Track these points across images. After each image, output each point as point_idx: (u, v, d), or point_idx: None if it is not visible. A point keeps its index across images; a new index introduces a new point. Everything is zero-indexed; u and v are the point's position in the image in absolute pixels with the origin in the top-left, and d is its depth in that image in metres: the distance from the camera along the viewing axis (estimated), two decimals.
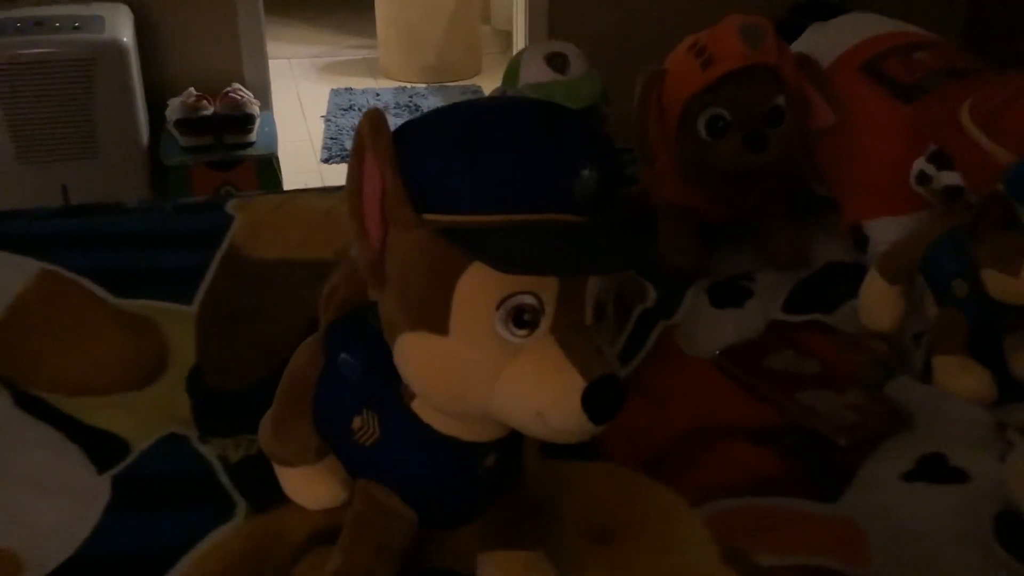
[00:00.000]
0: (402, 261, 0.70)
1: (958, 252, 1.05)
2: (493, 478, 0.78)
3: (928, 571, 0.83)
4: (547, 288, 0.66)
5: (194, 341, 1.14)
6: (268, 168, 2.65)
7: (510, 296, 0.66)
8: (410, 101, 3.71)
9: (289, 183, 2.75)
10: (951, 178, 1.11)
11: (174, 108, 2.51)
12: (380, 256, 0.71)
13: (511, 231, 0.66)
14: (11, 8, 2.35)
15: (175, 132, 2.51)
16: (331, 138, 3.37)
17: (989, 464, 0.93)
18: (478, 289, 0.66)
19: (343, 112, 3.57)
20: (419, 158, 0.68)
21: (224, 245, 1.31)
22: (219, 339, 1.15)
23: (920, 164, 1.14)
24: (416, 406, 0.75)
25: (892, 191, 1.22)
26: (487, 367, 0.67)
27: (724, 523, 0.88)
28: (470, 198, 0.66)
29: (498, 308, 0.66)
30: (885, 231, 1.23)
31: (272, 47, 2.93)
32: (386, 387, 0.76)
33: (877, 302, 1.16)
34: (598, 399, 0.65)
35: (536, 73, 1.26)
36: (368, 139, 0.68)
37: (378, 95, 3.72)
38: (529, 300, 0.66)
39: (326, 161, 3.33)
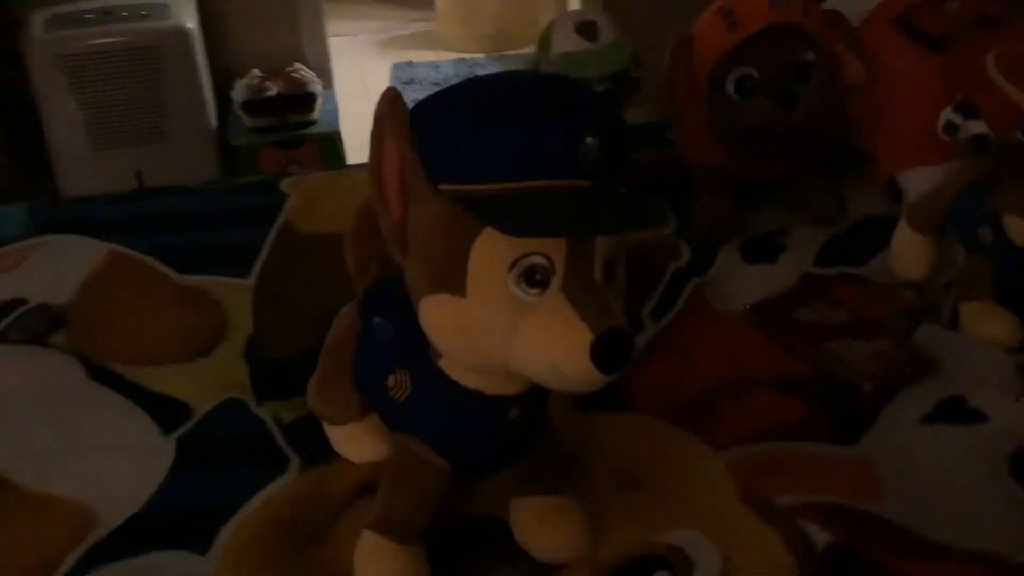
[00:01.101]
0: (421, 230, 0.76)
1: (982, 200, 1.07)
2: (519, 429, 0.83)
3: (941, 507, 0.86)
4: (556, 249, 0.71)
5: (251, 312, 1.21)
6: (331, 145, 2.72)
7: (522, 257, 0.71)
8: (470, 72, 3.76)
9: (353, 159, 2.80)
10: (977, 127, 1.11)
11: (239, 90, 2.60)
12: (402, 226, 0.76)
13: (520, 197, 0.71)
14: (78, 0, 2.45)
15: (241, 113, 2.59)
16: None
17: (1007, 405, 0.95)
18: (491, 252, 0.72)
19: (405, 86, 3.63)
20: (433, 132, 0.74)
21: (279, 221, 1.38)
22: (274, 310, 1.22)
23: (947, 114, 1.15)
24: (443, 364, 0.81)
25: (924, 142, 1.23)
26: (503, 324, 0.72)
27: (744, 467, 0.92)
28: (480, 168, 0.72)
29: (511, 269, 0.71)
30: (918, 182, 1.24)
31: (332, 25, 3.00)
32: (416, 347, 0.82)
33: (907, 251, 1.18)
34: (606, 351, 0.69)
35: (567, 42, 1.29)
36: (385, 116, 0.74)
37: (438, 67, 3.77)
38: (540, 260, 0.71)
39: None
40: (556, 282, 0.72)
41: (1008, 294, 1.08)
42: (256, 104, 2.60)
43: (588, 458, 0.95)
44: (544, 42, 1.33)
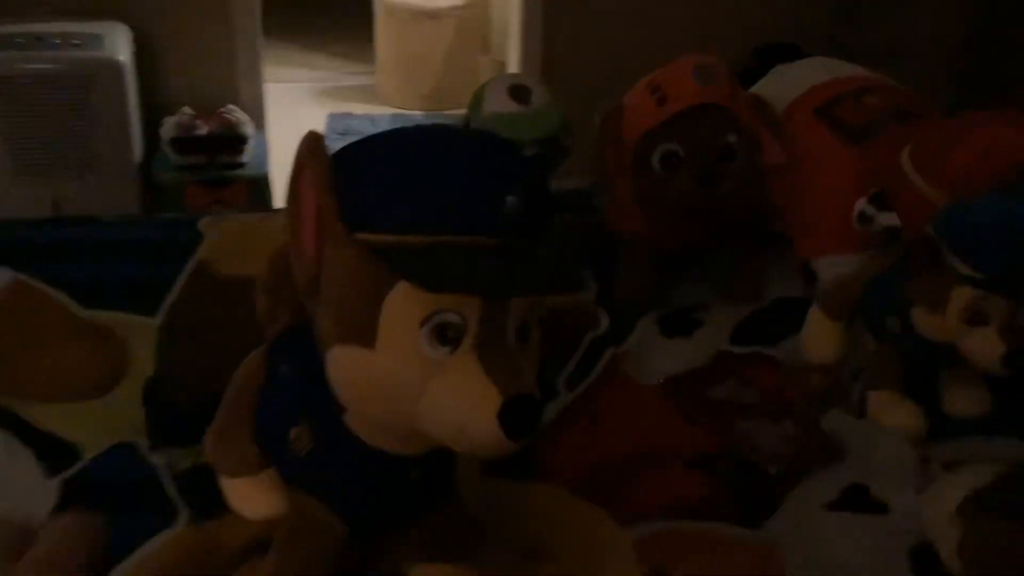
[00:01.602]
0: (335, 277, 0.74)
1: (891, 290, 1.09)
2: (420, 490, 0.81)
3: None
4: (470, 307, 0.70)
5: (154, 353, 1.17)
6: (259, 188, 2.67)
7: (434, 313, 0.70)
8: None
9: (281, 203, 2.77)
10: (890, 219, 1.14)
11: (169, 127, 2.55)
12: (315, 271, 0.75)
13: (437, 251, 0.70)
14: (11, 24, 2.40)
15: (169, 150, 2.54)
16: None
17: (909, 497, 0.95)
18: (404, 306, 0.70)
19: (339, 137, 3.61)
20: (353, 179, 0.73)
21: (193, 261, 1.34)
22: (179, 352, 1.18)
23: (861, 204, 1.18)
24: (347, 419, 0.79)
25: (839, 230, 1.26)
26: (412, 381, 0.70)
27: (650, 544, 0.91)
28: (398, 218, 0.71)
29: (423, 325, 0.70)
30: (832, 268, 1.27)
31: (271, 71, 2.98)
32: (321, 400, 0.79)
33: (818, 336, 1.19)
34: (514, 416, 0.68)
35: (499, 103, 1.30)
36: (306, 160, 0.73)
37: (374, 121, 3.77)
38: (452, 318, 0.70)
39: None
40: (468, 341, 0.71)
41: (914, 384, 1.10)
42: (185, 142, 2.56)
43: (492, 526, 0.93)
44: (476, 102, 1.33)
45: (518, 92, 1.31)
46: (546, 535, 0.94)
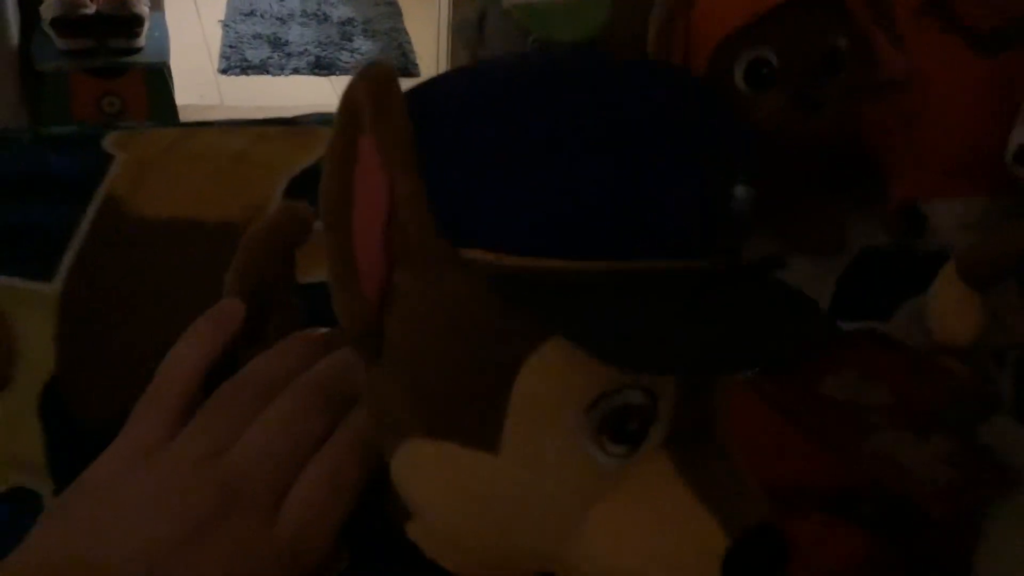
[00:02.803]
0: (420, 326, 0.42)
1: None
2: None
3: None
4: (663, 380, 0.39)
5: (54, 338, 0.83)
6: (158, 78, 2.38)
7: (608, 394, 0.38)
8: (318, 9, 3.34)
9: (182, 96, 2.45)
10: None
11: (49, 5, 2.21)
12: (376, 312, 0.42)
13: (618, 286, 0.38)
14: None
15: (51, 32, 2.22)
16: (229, 46, 3.02)
17: None
18: (556, 382, 0.39)
19: (244, 17, 3.19)
20: (457, 155, 0.40)
21: (99, 197, 0.99)
22: (89, 335, 0.85)
23: (1020, 135, 0.90)
24: (414, 530, 0.47)
25: (965, 165, 0.99)
26: (562, 506, 0.41)
27: None
28: (547, 228, 0.38)
29: (588, 413, 0.38)
30: (951, 214, 1.00)
31: None
32: (368, 495, 0.48)
33: (952, 309, 0.92)
34: (748, 564, 0.39)
35: None
36: (370, 118, 0.39)
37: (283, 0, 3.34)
38: (637, 399, 0.39)
39: (224, 72, 3.00)
40: (658, 433, 0.40)
41: None
42: (69, 23, 2.22)
43: None
44: None
45: None
46: None
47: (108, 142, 1.07)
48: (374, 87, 0.40)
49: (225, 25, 3.19)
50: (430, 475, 0.44)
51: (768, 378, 0.87)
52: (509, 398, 0.40)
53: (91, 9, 2.21)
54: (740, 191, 0.41)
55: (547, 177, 0.39)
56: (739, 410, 0.84)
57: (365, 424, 0.47)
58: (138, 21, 2.26)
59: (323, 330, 0.56)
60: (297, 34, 3.21)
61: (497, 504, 0.42)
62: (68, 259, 0.91)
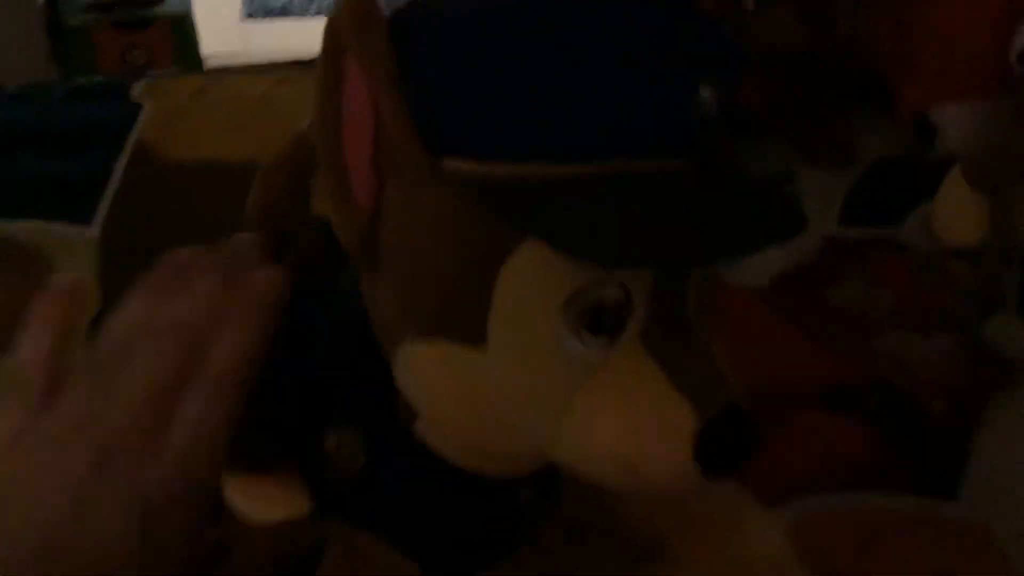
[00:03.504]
0: (409, 235, 0.45)
1: None
2: (529, 515, 0.55)
3: None
4: (638, 276, 0.42)
5: (97, 277, 0.88)
6: (182, 28, 2.39)
7: (584, 290, 0.42)
8: None
9: (207, 45, 2.47)
10: None
11: None
12: (371, 225, 0.45)
13: (589, 189, 0.41)
14: None
15: None
16: None
17: None
18: (535, 280, 0.42)
19: None
20: (436, 69, 0.43)
21: (130, 144, 1.03)
22: (129, 272, 0.89)
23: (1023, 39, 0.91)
24: (422, 427, 0.51)
25: (973, 70, 0.99)
26: (547, 394, 0.44)
27: (812, 532, 0.67)
28: (522, 134, 0.41)
29: (566, 307, 0.42)
30: (961, 120, 1.00)
31: None
32: (377, 396, 0.52)
33: (958, 211, 0.93)
34: (718, 442, 0.42)
35: None
36: (352, 39, 0.42)
37: None
38: (613, 294, 0.42)
39: (248, 16, 3.02)
40: (633, 326, 0.43)
41: None
42: None
43: (600, 525, 0.68)
44: None
45: None
46: (663, 524, 0.70)
47: (136, 92, 1.11)
48: (356, 9, 0.42)
49: None
50: (427, 374, 0.47)
51: (777, 290, 0.90)
52: (492, 296, 0.43)
53: None
54: (706, 93, 0.43)
55: (520, 86, 0.41)
56: (749, 320, 0.88)
57: (235, 346, 0.49)
58: None
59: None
60: None
61: (488, 397, 0.45)
62: (105, 204, 0.96)
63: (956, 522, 0.69)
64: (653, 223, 0.41)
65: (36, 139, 1.04)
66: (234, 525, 0.59)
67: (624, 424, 0.43)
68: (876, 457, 0.74)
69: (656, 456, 0.43)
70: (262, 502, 0.65)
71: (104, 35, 2.29)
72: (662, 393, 0.43)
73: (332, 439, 0.55)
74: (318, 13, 3.03)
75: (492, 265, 0.42)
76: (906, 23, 1.04)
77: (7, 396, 0.54)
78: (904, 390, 0.80)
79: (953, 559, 0.66)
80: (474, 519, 0.54)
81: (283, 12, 3.04)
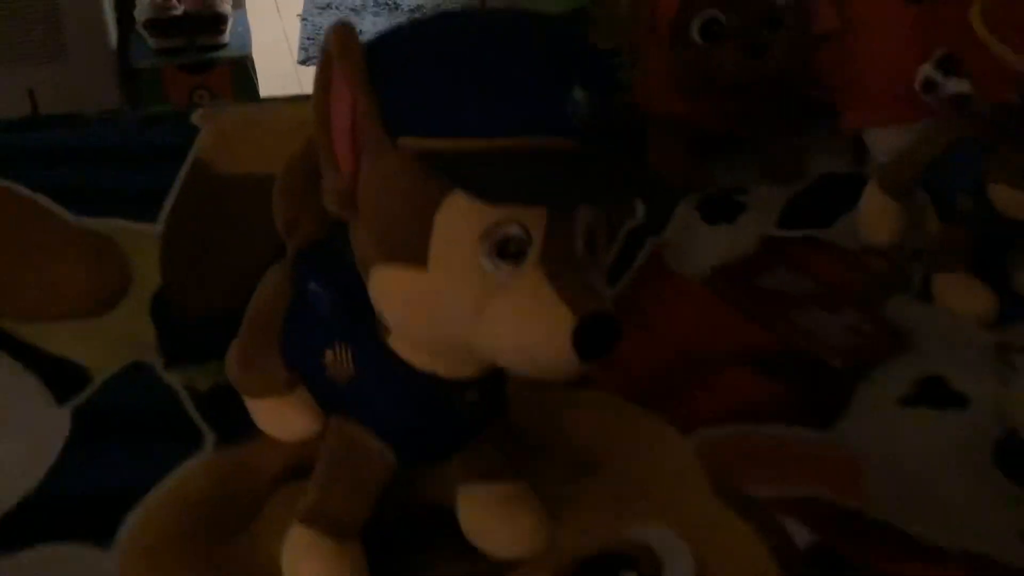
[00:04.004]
0: (376, 190, 0.64)
1: (966, 165, 1.00)
2: (475, 414, 0.74)
3: (926, 502, 0.80)
4: (535, 218, 0.61)
5: (159, 263, 1.08)
6: (242, 70, 2.57)
7: (495, 226, 0.60)
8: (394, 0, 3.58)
9: (265, 86, 2.67)
10: (959, 85, 1.05)
11: (142, 8, 2.41)
12: (351, 186, 0.65)
13: (496, 156, 0.60)
14: None
15: (145, 33, 2.41)
16: (308, 38, 3.25)
17: (990, 388, 0.89)
18: (460, 219, 0.61)
19: (320, 11, 3.44)
20: (393, 75, 0.62)
21: (190, 159, 1.24)
22: (186, 260, 1.10)
23: (926, 70, 1.08)
24: (392, 341, 0.70)
25: (896, 98, 1.16)
26: (470, 303, 0.62)
27: (715, 452, 0.85)
28: (449, 120, 0.61)
29: (482, 240, 0.61)
30: (888, 141, 1.18)
31: None
32: (359, 320, 0.71)
33: (876, 215, 1.11)
34: (590, 336, 0.60)
35: None
36: (336, 54, 0.62)
37: None
38: (515, 231, 0.61)
39: (303, 63, 3.24)
40: (533, 255, 0.62)
41: (984, 266, 1.02)
42: (161, 23, 2.42)
43: (541, 437, 0.86)
44: None
45: None
46: (600, 446, 0.88)
47: (196, 117, 1.33)
48: (341, 37, 0.63)
49: (303, 19, 3.46)
50: (389, 291, 0.66)
51: (719, 277, 1.08)
52: (431, 231, 0.61)
53: (179, 10, 2.46)
54: (578, 92, 0.62)
55: (452, 88, 0.60)
56: (694, 299, 1.06)
57: None
58: (222, 19, 2.51)
59: None
60: (370, 23, 3.46)
61: (429, 305, 0.64)
62: (167, 206, 1.16)
63: (828, 446, 0.86)
64: (537, 178, 0.60)
65: (115, 154, 1.25)
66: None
67: (523, 323, 0.62)
68: (777, 403, 0.91)
69: (545, 346, 0.61)
70: (284, 423, 0.85)
71: (171, 78, 2.47)
72: (550, 301, 0.61)
73: (329, 354, 0.74)
74: None
75: (430, 209, 0.61)
76: (841, 57, 1.22)
77: None
78: (811, 354, 0.97)
79: (823, 473, 0.82)
80: (433, 413, 0.72)
81: None
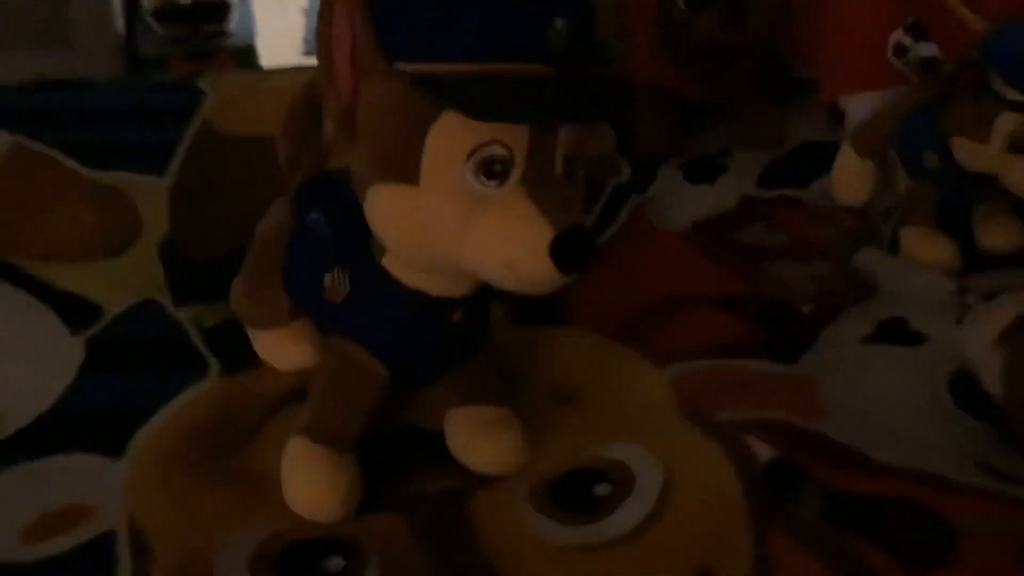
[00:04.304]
0: (373, 112, 0.70)
1: (930, 124, 1.06)
2: (461, 334, 0.79)
3: (883, 426, 0.85)
4: (518, 139, 0.67)
5: (167, 212, 1.14)
6: (246, 59, 2.61)
7: (481, 146, 0.66)
8: None
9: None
10: (928, 49, 1.11)
11: None
12: (351, 108, 0.71)
13: (484, 80, 0.66)
14: None
15: (151, 21, 2.47)
16: (312, 31, 3.31)
17: (947, 327, 0.95)
18: (449, 139, 0.67)
19: None
20: (390, 5, 0.68)
21: (197, 119, 1.30)
22: (192, 211, 1.16)
23: (897, 35, 1.14)
24: (386, 261, 0.76)
25: (870, 65, 1.22)
26: (458, 217, 0.68)
27: (685, 383, 0.90)
28: (442, 46, 0.67)
29: (469, 158, 0.66)
30: (862, 106, 1.23)
31: None
32: (356, 244, 0.77)
33: (849, 176, 1.17)
34: (567, 249, 0.66)
35: None
36: None
37: None
38: (500, 151, 0.66)
39: (306, 55, 3.28)
40: (516, 175, 0.67)
41: (950, 221, 1.08)
42: (167, 12, 2.48)
43: (523, 371, 0.92)
44: None
45: None
46: (578, 378, 0.93)
47: (203, 82, 1.39)
48: None
49: (307, 12, 3.53)
50: (384, 208, 0.71)
51: (698, 231, 1.14)
52: (423, 149, 0.67)
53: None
54: (559, 23, 0.68)
55: (443, 17, 0.65)
56: (673, 251, 1.11)
57: None
58: (227, 8, 2.58)
59: None
60: None
61: (420, 222, 0.69)
62: (176, 161, 1.22)
63: (792, 377, 0.91)
64: (521, 98, 0.66)
65: (127, 114, 1.31)
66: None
67: (505, 237, 0.67)
68: (746, 342, 0.97)
69: (526, 258, 0.67)
70: (284, 353, 0.90)
71: (177, 65, 2.52)
72: (531, 217, 0.67)
73: (328, 277, 0.80)
74: None
75: (422, 129, 0.67)
76: (817, 28, 1.28)
77: None
78: (780, 299, 1.02)
79: (786, 399, 0.88)
80: (421, 330, 0.78)
81: None
